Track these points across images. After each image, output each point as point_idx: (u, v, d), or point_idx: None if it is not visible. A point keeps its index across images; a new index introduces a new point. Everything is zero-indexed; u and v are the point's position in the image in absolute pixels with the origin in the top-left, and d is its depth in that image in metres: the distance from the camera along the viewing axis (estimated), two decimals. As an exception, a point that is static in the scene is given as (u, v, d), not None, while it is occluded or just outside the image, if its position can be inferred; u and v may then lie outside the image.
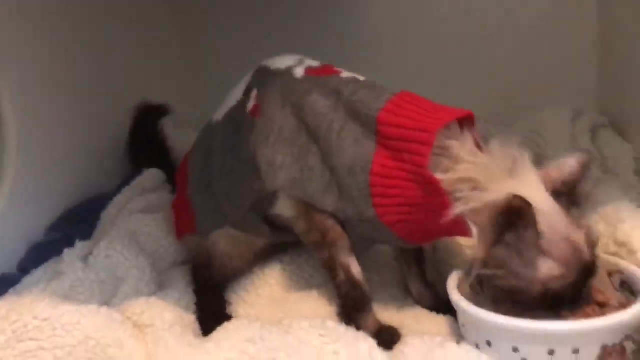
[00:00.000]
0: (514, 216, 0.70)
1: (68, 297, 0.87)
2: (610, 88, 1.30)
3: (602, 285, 0.81)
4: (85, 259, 0.96)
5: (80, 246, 0.98)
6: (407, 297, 0.94)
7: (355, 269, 0.86)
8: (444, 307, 0.87)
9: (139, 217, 1.10)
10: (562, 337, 0.68)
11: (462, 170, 0.77)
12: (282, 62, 0.92)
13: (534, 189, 0.74)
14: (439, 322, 0.86)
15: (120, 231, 1.06)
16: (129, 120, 1.31)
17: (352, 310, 0.86)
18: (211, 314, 0.93)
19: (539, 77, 1.39)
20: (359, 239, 0.86)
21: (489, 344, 0.73)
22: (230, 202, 0.92)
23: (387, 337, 0.83)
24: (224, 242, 0.96)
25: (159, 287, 0.99)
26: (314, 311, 0.90)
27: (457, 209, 0.75)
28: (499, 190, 0.74)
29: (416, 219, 0.80)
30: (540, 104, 1.34)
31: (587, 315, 0.77)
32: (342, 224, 0.85)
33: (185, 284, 0.99)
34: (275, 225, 0.93)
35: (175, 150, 1.30)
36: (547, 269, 0.72)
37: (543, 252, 0.72)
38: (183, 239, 1.04)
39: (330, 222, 0.85)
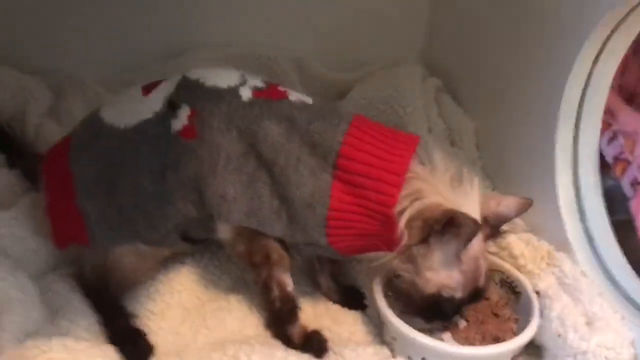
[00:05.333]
0: (453, 226, 0.77)
1: None
2: (439, 50, 1.41)
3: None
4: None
5: None
6: (314, 291, 0.99)
7: (290, 284, 0.88)
8: (353, 300, 0.97)
9: (-7, 216, 0.92)
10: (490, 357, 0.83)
11: (410, 187, 0.81)
12: (219, 79, 0.83)
13: (471, 209, 0.82)
14: (356, 320, 0.94)
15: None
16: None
17: (283, 322, 0.89)
18: (123, 334, 0.87)
19: (365, 30, 1.40)
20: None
21: (423, 360, 0.85)
22: (148, 223, 0.84)
23: (317, 345, 0.88)
24: (130, 257, 0.88)
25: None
26: (240, 322, 0.91)
27: (402, 222, 0.80)
28: (438, 202, 0.80)
29: (364, 243, 0.84)
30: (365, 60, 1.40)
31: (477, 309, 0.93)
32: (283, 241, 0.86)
33: (79, 300, 0.89)
34: (188, 237, 0.89)
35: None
36: (448, 276, 0.82)
37: (455, 262, 0.82)
38: (66, 249, 0.91)
39: (273, 244, 0.86)
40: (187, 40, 1.36)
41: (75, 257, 0.92)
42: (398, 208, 0.80)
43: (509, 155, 1.15)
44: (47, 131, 1.15)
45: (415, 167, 0.83)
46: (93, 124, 0.87)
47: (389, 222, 0.80)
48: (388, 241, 0.81)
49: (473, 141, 1.25)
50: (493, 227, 0.87)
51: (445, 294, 0.83)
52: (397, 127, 1.24)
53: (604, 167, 1.02)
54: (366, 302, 0.96)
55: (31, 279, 0.88)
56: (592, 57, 0.92)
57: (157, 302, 0.92)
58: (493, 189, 1.15)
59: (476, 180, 0.85)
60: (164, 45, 1.34)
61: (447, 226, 0.78)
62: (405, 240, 0.80)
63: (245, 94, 0.83)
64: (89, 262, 0.90)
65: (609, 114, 1.02)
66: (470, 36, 1.27)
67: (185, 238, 0.90)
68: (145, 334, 0.88)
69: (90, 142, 0.87)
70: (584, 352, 0.78)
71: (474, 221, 0.79)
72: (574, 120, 0.98)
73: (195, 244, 0.93)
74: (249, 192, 0.81)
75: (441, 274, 0.82)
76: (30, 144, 1.08)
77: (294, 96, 0.85)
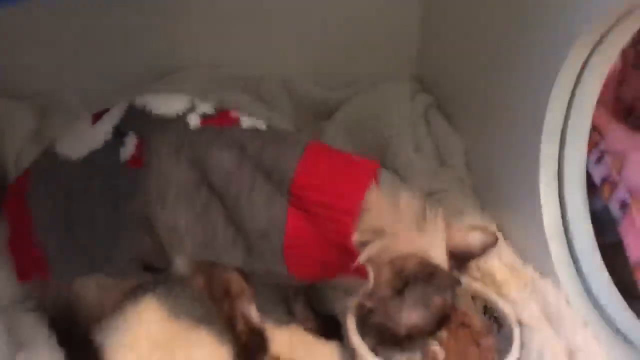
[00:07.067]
0: (430, 278, 0.76)
1: None
2: (431, 68, 1.38)
3: (466, 308, 0.94)
4: None
5: None
6: (290, 319, 0.95)
7: (255, 315, 0.85)
8: (329, 329, 0.93)
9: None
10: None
11: (370, 220, 0.78)
12: (167, 106, 0.81)
13: (438, 249, 0.80)
14: (332, 352, 0.91)
15: None
16: None
17: (252, 356, 0.85)
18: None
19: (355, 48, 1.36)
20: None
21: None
22: (105, 255, 0.82)
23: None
24: (92, 290, 0.86)
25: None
26: (209, 357, 0.87)
27: (363, 257, 0.77)
28: (406, 242, 0.78)
29: (325, 270, 0.81)
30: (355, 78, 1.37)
31: (458, 337, 0.89)
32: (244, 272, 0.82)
33: (44, 335, 0.86)
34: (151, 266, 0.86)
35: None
36: (420, 317, 0.80)
37: (427, 304, 0.80)
38: (29, 282, 0.89)
39: (233, 275, 0.82)
40: (174, 61, 1.34)
41: (38, 291, 0.89)
42: (358, 239, 0.77)
43: (497, 175, 1.11)
44: (29, 158, 1.13)
45: (376, 199, 0.79)
46: (48, 157, 0.86)
47: (349, 252, 0.77)
48: (350, 269, 0.78)
49: (463, 160, 1.21)
50: (460, 261, 0.83)
51: (416, 331, 0.80)
52: (382, 147, 1.23)
53: (594, 189, 0.98)
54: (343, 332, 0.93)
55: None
56: (574, 74, 0.88)
57: (125, 334, 0.90)
58: (482, 209, 1.11)
59: (440, 214, 0.81)
60: (150, 66, 1.32)
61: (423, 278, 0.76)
62: (371, 279, 0.78)
63: (194, 121, 0.81)
64: (52, 296, 0.87)
65: (597, 132, 0.98)
66: (461, 54, 1.24)
67: (148, 268, 0.87)
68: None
69: (45, 176, 0.85)
70: (564, 389, 0.74)
71: (453, 279, 0.78)
72: (558, 139, 0.94)
73: (160, 273, 0.90)
74: (202, 222, 0.78)
75: (412, 317, 0.79)
76: (10, 172, 1.06)
77: (247, 122, 0.83)
